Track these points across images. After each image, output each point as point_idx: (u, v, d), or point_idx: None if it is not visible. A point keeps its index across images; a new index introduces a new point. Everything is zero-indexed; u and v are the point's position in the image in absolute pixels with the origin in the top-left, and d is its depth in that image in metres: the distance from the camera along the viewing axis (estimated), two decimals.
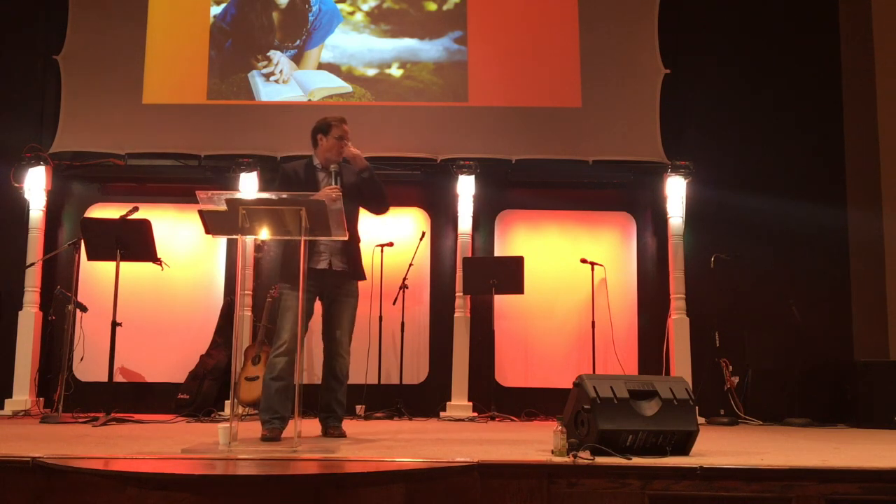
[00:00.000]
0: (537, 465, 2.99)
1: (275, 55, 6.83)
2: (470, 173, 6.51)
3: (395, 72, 6.86)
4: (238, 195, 3.70)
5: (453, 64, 6.82)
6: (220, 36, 6.88)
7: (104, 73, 6.68)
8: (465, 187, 6.53)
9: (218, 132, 6.63)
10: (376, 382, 6.24)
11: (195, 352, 6.23)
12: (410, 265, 6.36)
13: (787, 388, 6.08)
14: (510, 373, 6.54)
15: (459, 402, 6.20)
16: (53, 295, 6.10)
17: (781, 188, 6.67)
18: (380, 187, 4.31)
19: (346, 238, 3.75)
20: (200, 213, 3.57)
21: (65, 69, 6.69)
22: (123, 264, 5.30)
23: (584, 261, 6.44)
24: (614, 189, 6.76)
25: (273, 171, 6.48)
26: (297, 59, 6.86)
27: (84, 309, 5.82)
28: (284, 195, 3.56)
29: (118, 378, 6.12)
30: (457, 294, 6.43)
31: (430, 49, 6.86)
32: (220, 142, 6.62)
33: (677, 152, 6.60)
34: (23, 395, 6.10)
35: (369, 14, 6.92)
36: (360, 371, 6.01)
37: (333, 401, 4.22)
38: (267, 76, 6.81)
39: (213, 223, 3.60)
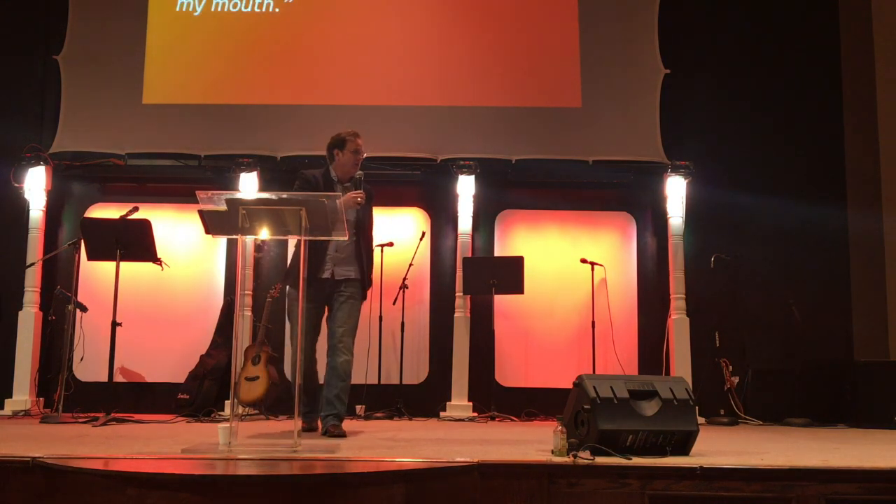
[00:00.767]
0: (537, 465, 2.99)
1: None
2: (470, 173, 6.51)
3: None
4: (238, 195, 3.70)
5: (453, 64, 6.81)
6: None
7: (104, 73, 6.68)
8: (465, 187, 6.53)
9: (218, 132, 6.63)
10: (376, 382, 6.25)
11: (195, 352, 6.23)
12: (410, 265, 6.36)
13: (787, 388, 6.07)
14: (510, 373, 6.54)
15: (459, 402, 6.21)
16: (53, 295, 6.11)
17: (781, 188, 6.67)
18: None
19: (345, 238, 3.77)
20: (200, 213, 3.57)
21: (65, 69, 6.69)
22: (123, 264, 5.30)
23: (584, 261, 6.45)
24: (614, 189, 6.76)
25: (273, 171, 6.52)
26: None
27: (84, 309, 5.82)
28: (285, 195, 3.57)
29: (118, 378, 6.12)
30: (457, 294, 6.43)
31: None
32: (220, 142, 6.61)
33: (677, 152, 6.59)
34: (23, 395, 6.11)
35: None
36: (361, 371, 5.99)
37: (335, 399, 4.24)
38: None
39: (213, 223, 3.60)
